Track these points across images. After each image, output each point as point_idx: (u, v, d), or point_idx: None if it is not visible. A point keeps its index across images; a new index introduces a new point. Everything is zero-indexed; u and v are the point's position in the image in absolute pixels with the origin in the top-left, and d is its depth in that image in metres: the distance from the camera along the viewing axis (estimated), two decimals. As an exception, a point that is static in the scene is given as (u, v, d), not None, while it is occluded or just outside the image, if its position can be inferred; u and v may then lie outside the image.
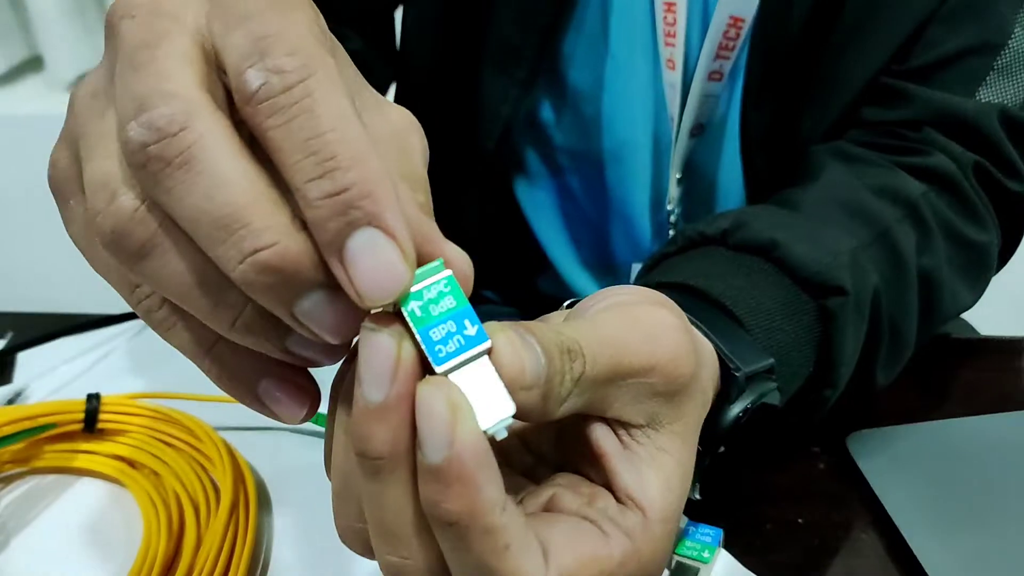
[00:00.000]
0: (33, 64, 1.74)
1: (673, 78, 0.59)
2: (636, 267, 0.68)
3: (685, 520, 0.43)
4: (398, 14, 0.73)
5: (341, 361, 0.28)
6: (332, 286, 0.24)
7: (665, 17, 0.58)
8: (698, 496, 0.40)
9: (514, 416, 0.26)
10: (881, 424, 0.51)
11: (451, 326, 0.25)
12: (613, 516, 0.29)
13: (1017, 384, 0.56)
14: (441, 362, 0.25)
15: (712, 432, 0.37)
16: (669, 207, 0.63)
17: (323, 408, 0.29)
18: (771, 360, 0.39)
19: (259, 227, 0.23)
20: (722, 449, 0.38)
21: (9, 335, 0.62)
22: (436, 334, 0.25)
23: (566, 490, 0.31)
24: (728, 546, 0.43)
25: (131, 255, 0.24)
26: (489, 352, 0.26)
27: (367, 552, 0.29)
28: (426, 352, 0.25)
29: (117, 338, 0.61)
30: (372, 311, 0.25)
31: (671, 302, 0.33)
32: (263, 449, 0.52)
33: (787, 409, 0.43)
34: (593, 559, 0.28)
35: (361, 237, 0.23)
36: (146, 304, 0.26)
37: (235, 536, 0.45)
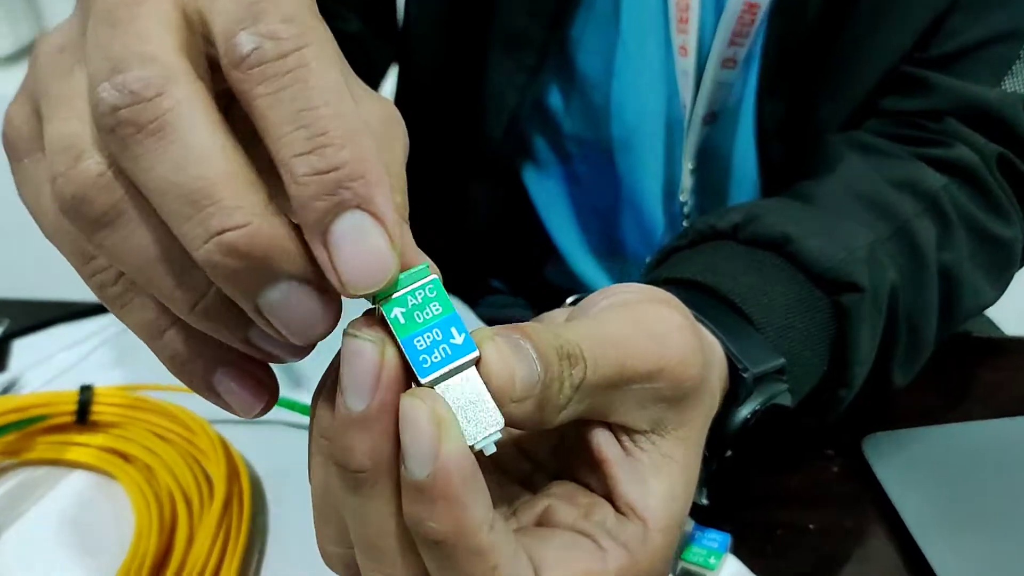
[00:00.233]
0: (40, 44, 1.75)
1: (686, 65, 0.57)
2: (647, 260, 0.67)
3: (692, 524, 0.42)
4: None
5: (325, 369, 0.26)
6: (302, 279, 0.22)
7: (678, 2, 0.56)
8: (705, 501, 0.39)
9: (508, 427, 0.25)
10: (898, 426, 0.50)
11: (437, 334, 0.24)
12: (611, 528, 0.28)
13: (1041, 385, 0.55)
14: (426, 373, 0.24)
15: (719, 435, 0.36)
16: (682, 198, 0.62)
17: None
18: (782, 360, 0.38)
19: (230, 205, 0.21)
20: (729, 453, 0.37)
21: (5, 322, 0.62)
22: (421, 343, 0.24)
23: (562, 501, 0.29)
24: (736, 552, 0.42)
25: (91, 223, 0.22)
26: (477, 362, 0.24)
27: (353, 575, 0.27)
28: (410, 362, 0.24)
29: (114, 326, 0.60)
30: (352, 320, 0.24)
31: (677, 300, 0.31)
32: (259, 444, 0.51)
33: (799, 410, 0.42)
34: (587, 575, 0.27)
35: (349, 220, 0.21)
36: (100, 278, 0.24)
37: (228, 532, 0.44)
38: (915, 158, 0.50)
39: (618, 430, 0.29)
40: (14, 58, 1.73)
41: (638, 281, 0.46)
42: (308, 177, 0.21)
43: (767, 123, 0.58)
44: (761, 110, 0.58)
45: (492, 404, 0.24)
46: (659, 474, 0.29)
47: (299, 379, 0.53)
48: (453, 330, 0.24)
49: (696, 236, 0.46)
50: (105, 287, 0.25)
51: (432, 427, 0.23)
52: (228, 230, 0.21)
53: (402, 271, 0.24)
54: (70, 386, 0.51)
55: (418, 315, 0.24)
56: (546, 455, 0.32)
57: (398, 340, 0.24)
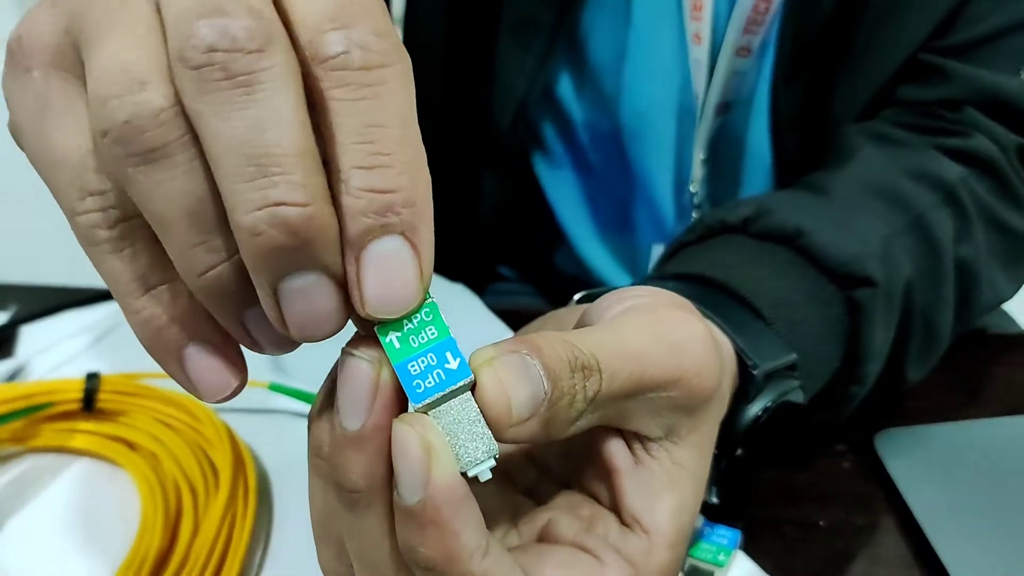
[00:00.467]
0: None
1: (699, 53, 0.56)
2: (657, 249, 0.66)
3: (701, 520, 0.41)
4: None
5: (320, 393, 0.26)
6: (331, 276, 0.22)
7: (691, -12, 0.55)
8: (715, 500, 0.38)
9: (515, 442, 0.24)
10: (911, 422, 0.49)
11: (432, 359, 0.24)
12: (613, 541, 0.28)
13: (1058, 382, 0.54)
14: (420, 399, 0.23)
15: (729, 433, 0.35)
16: (692, 188, 0.61)
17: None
18: (793, 356, 0.37)
19: (297, 181, 0.20)
20: (739, 452, 0.36)
21: (13, 308, 0.61)
22: (415, 368, 0.23)
23: (564, 514, 0.29)
24: (746, 548, 0.42)
25: (134, 155, 0.21)
26: (473, 387, 0.24)
27: None
28: (403, 387, 0.23)
29: (120, 313, 0.60)
30: (351, 338, 0.24)
31: (691, 306, 0.30)
32: (265, 433, 0.51)
33: (811, 406, 0.41)
34: None
35: (388, 244, 0.22)
36: (94, 218, 0.23)
37: (233, 521, 0.44)
38: (932, 148, 0.50)
39: (631, 437, 0.29)
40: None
41: (648, 275, 0.45)
42: (362, 192, 0.21)
43: (782, 113, 0.57)
44: (776, 99, 0.57)
45: (487, 431, 0.24)
46: (670, 485, 0.28)
47: (308, 370, 0.53)
48: (448, 355, 0.24)
49: (706, 230, 0.45)
50: (96, 228, 0.23)
51: (422, 454, 0.23)
52: (287, 204, 0.20)
53: None
54: (76, 373, 0.51)
55: (413, 339, 0.23)
56: (554, 462, 0.31)
57: (392, 366, 0.23)
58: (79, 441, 0.50)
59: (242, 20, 0.20)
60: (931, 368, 0.47)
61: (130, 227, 0.23)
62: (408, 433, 0.23)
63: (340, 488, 0.24)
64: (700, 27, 0.56)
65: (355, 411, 0.23)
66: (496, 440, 0.24)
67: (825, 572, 0.42)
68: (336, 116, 0.21)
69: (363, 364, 0.23)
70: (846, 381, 0.43)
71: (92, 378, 0.50)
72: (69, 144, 0.23)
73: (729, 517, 0.41)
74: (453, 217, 0.66)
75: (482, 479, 0.24)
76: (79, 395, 0.50)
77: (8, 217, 1.37)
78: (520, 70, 0.60)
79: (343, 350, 0.24)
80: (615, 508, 0.29)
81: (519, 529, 0.29)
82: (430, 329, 0.24)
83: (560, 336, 0.26)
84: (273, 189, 0.20)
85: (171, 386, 0.51)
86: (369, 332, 0.24)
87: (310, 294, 0.22)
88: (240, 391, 0.25)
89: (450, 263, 0.59)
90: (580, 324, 0.31)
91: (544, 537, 0.29)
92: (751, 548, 0.42)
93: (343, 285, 0.22)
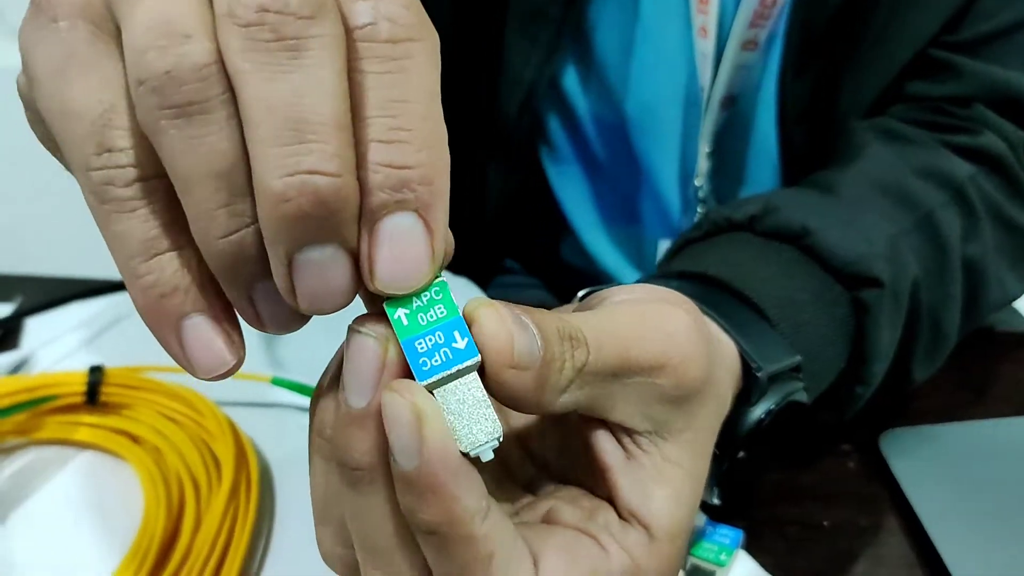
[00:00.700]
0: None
1: (705, 46, 0.56)
2: (663, 244, 0.66)
3: (703, 519, 0.41)
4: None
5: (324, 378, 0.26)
6: (349, 250, 0.22)
7: (699, -18, 0.54)
8: (717, 500, 0.38)
9: (511, 407, 0.24)
10: (917, 422, 0.49)
11: (439, 337, 0.23)
12: (615, 532, 0.28)
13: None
14: (425, 376, 0.23)
15: (731, 435, 0.35)
16: (697, 182, 0.61)
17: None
18: (797, 358, 0.37)
19: (331, 152, 0.20)
20: (742, 454, 0.36)
21: (19, 299, 0.62)
22: (422, 345, 0.23)
23: (566, 503, 0.29)
24: (748, 548, 0.41)
25: (169, 108, 0.20)
26: (479, 368, 0.24)
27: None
28: (409, 365, 0.23)
29: (126, 305, 0.60)
30: (358, 315, 0.23)
31: (687, 301, 0.30)
32: (267, 427, 0.51)
33: (815, 406, 0.41)
34: (590, 572, 0.26)
35: (402, 220, 0.21)
36: (111, 174, 0.22)
37: (235, 515, 0.44)
38: (941, 145, 0.49)
39: (619, 431, 0.28)
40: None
41: (654, 271, 0.45)
42: (380, 166, 0.21)
43: (789, 107, 0.57)
44: (783, 93, 0.57)
45: (491, 412, 0.24)
46: (662, 479, 0.28)
47: (310, 365, 0.53)
48: (456, 334, 0.23)
49: (712, 227, 0.45)
50: (110, 185, 0.22)
51: (413, 420, 0.22)
52: (319, 173, 0.20)
53: None
54: (80, 366, 0.51)
55: (421, 317, 0.23)
56: (551, 457, 0.31)
57: (399, 342, 0.23)
58: (82, 434, 0.50)
59: None
60: (938, 367, 0.47)
61: (145, 188, 0.22)
62: (397, 400, 0.23)
63: (343, 467, 0.24)
64: (707, 20, 0.55)
65: (361, 388, 0.23)
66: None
67: (827, 572, 0.42)
68: (360, 88, 0.21)
69: (370, 341, 0.23)
70: (851, 381, 0.42)
71: (96, 371, 0.50)
72: (91, 98, 0.22)
73: (732, 516, 0.41)
74: (458, 210, 0.66)
75: (484, 459, 0.24)
76: (83, 388, 0.50)
77: (13, 208, 1.37)
78: (526, 62, 0.59)
79: (350, 327, 0.23)
80: (612, 503, 0.29)
81: (521, 516, 0.29)
82: (439, 308, 0.23)
83: (548, 311, 0.26)
84: (308, 156, 0.20)
85: (174, 380, 0.51)
86: (378, 308, 0.24)
87: (325, 267, 0.21)
88: (235, 371, 0.24)
89: (455, 256, 0.58)
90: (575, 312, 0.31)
91: (547, 522, 0.29)
92: (753, 548, 0.41)
93: (357, 260, 0.22)
